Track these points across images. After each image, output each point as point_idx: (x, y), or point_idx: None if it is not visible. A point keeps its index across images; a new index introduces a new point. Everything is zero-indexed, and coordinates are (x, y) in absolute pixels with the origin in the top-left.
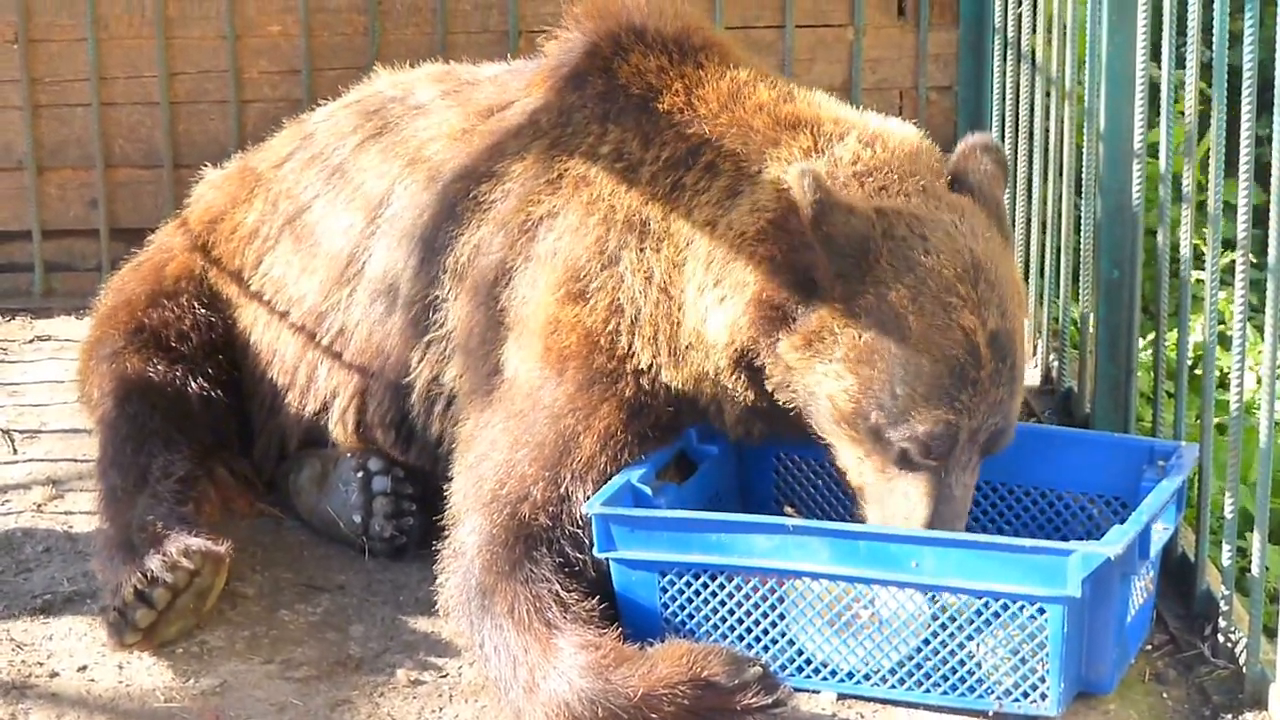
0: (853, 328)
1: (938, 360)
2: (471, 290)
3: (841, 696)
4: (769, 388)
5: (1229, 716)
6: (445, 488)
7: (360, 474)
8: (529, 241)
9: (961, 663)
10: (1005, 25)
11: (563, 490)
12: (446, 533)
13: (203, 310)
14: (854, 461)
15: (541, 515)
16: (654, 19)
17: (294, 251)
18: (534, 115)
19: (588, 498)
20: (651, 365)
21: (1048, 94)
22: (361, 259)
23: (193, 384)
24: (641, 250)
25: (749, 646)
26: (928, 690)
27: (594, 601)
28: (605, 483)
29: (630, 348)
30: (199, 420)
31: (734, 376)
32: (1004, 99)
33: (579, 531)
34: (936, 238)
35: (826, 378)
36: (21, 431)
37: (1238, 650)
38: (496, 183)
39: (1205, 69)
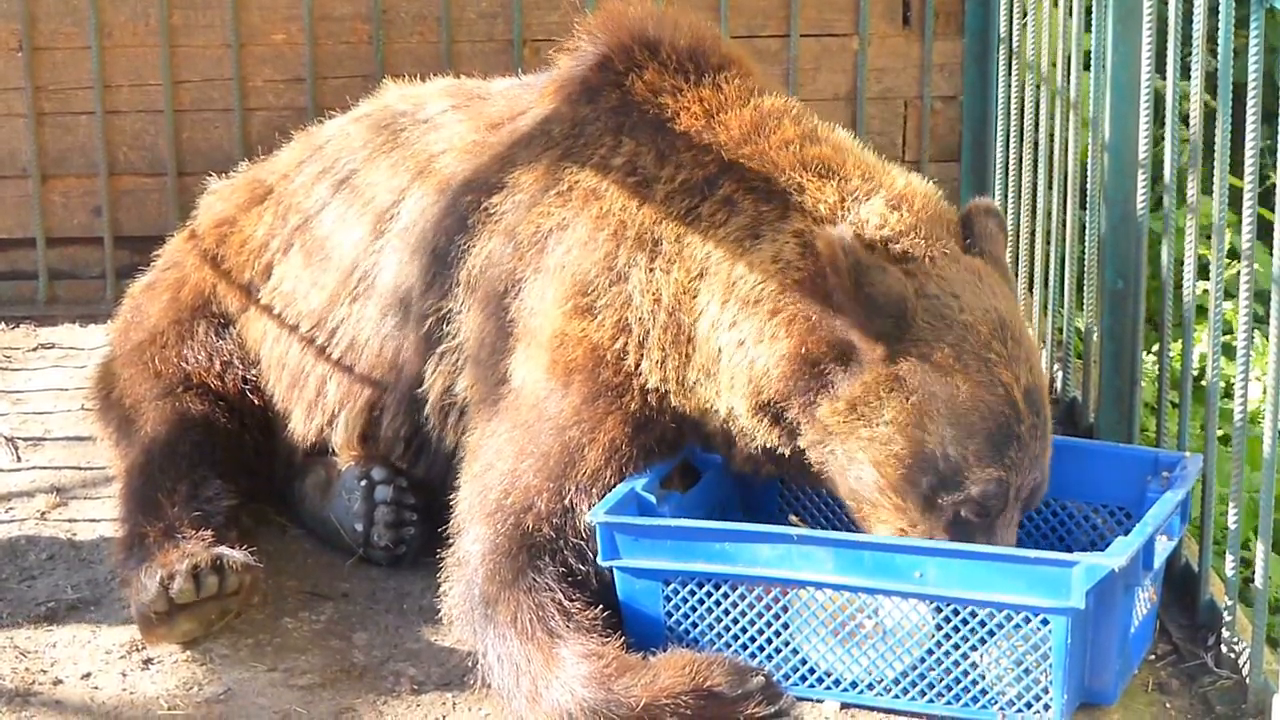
0: (900, 390)
1: (986, 418)
2: (483, 301)
3: (845, 706)
4: (800, 444)
5: None
6: (451, 498)
7: (364, 483)
8: (539, 253)
9: (965, 673)
10: (1010, 35)
11: (567, 501)
12: (451, 541)
13: (218, 341)
14: (890, 523)
15: (545, 526)
16: (667, 32)
17: (304, 265)
18: (545, 125)
19: (591, 509)
20: (660, 388)
21: (1052, 104)
22: (372, 272)
23: (227, 424)
24: (651, 270)
25: (753, 656)
26: (931, 700)
27: (597, 610)
28: (607, 493)
29: (638, 366)
30: (234, 460)
31: (756, 421)
32: (1008, 109)
33: (583, 543)
34: (966, 296)
35: (874, 443)
36: (25, 439)
37: (1241, 661)
38: (508, 194)
39: (1210, 79)
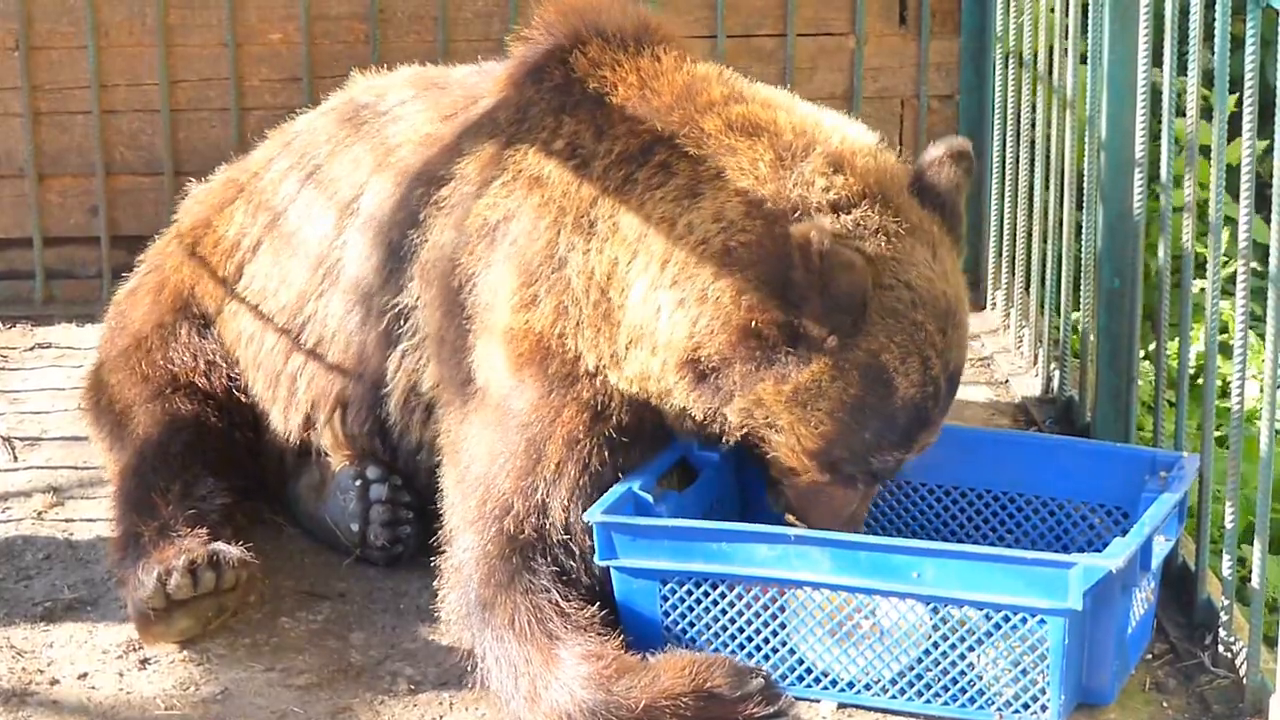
0: (841, 381)
1: (910, 414)
2: (439, 297)
3: (842, 706)
4: (726, 410)
5: None
6: (435, 497)
7: (358, 482)
8: (488, 247)
9: (962, 673)
10: (1007, 34)
11: (539, 499)
12: (443, 548)
13: (201, 341)
14: (788, 472)
15: (527, 527)
16: (615, 16)
17: (273, 264)
18: (493, 113)
19: (565, 506)
20: (597, 369)
21: (1049, 102)
22: (336, 268)
23: (217, 423)
24: (587, 252)
25: (749, 655)
26: (928, 701)
27: (594, 609)
28: (577, 489)
29: (577, 349)
30: (226, 458)
31: (681, 377)
32: (1005, 107)
33: (568, 538)
34: (920, 285)
35: (800, 422)
36: (22, 439)
37: (1238, 660)
38: (456, 185)
39: (1207, 75)
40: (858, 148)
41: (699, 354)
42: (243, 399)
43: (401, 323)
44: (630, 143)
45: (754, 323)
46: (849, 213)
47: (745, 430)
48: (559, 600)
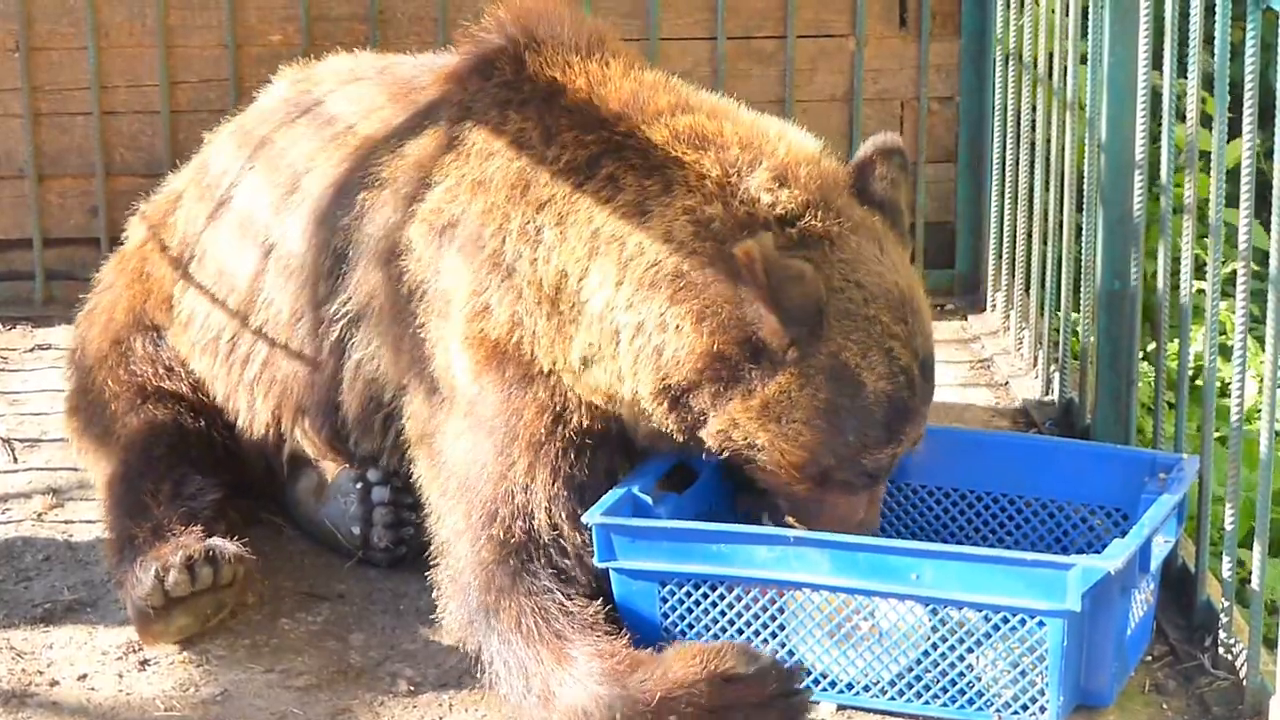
0: (809, 388)
1: (887, 407)
2: (390, 306)
3: (841, 707)
4: (701, 433)
5: None
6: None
7: (359, 485)
8: (435, 253)
9: (961, 675)
10: (1007, 36)
11: (518, 503)
12: (436, 560)
13: (158, 351)
14: (784, 491)
15: (516, 530)
16: (571, 23)
17: (217, 274)
18: (434, 109)
19: (546, 507)
20: (551, 373)
21: (1049, 104)
22: (280, 275)
23: (195, 424)
24: (534, 261)
25: None
26: (927, 702)
27: (598, 605)
28: (552, 489)
29: (533, 354)
30: (209, 457)
31: (656, 404)
32: (1005, 109)
33: (557, 535)
34: (870, 281)
35: (779, 437)
36: (22, 440)
37: (1238, 662)
38: (397, 188)
39: (1207, 78)
40: (801, 158)
41: (668, 382)
42: (207, 400)
43: (353, 331)
44: (578, 153)
45: (715, 346)
46: (794, 225)
47: (726, 452)
48: (562, 600)
